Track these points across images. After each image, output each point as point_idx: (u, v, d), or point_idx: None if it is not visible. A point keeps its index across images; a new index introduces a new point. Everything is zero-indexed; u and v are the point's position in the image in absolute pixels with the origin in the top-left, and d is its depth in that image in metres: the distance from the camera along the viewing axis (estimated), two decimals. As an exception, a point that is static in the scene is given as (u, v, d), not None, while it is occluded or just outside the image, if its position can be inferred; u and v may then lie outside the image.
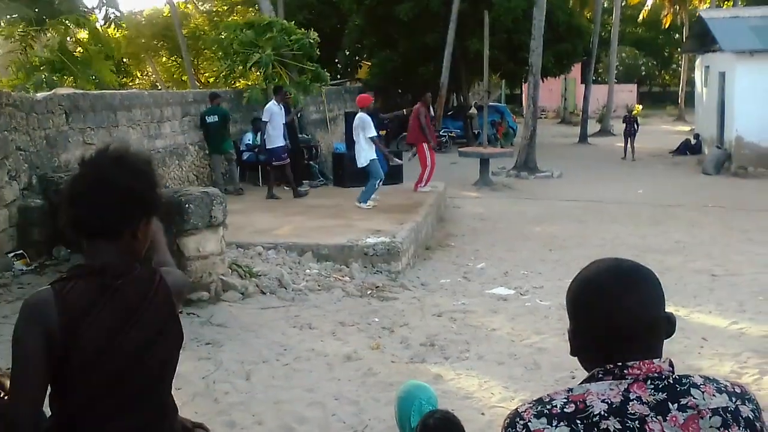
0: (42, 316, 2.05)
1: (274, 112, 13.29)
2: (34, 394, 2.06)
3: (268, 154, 13.49)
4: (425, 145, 14.22)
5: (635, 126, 25.08)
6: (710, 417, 1.52)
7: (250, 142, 15.30)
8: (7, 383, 2.70)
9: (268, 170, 13.91)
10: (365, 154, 12.40)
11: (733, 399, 1.56)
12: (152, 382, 2.21)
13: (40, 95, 9.72)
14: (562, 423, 1.52)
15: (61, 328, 2.04)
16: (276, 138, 13.29)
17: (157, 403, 2.25)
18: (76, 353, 2.07)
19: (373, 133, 12.47)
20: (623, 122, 25.56)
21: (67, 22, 17.71)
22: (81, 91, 11.35)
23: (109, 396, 2.13)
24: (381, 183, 12.57)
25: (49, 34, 17.95)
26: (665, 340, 1.63)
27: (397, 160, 14.42)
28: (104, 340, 2.09)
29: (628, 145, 24.82)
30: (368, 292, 8.41)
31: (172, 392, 2.38)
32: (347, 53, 33.09)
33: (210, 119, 14.03)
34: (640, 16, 42.29)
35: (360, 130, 12.43)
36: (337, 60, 31.67)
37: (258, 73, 16.65)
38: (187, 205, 7.29)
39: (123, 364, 2.12)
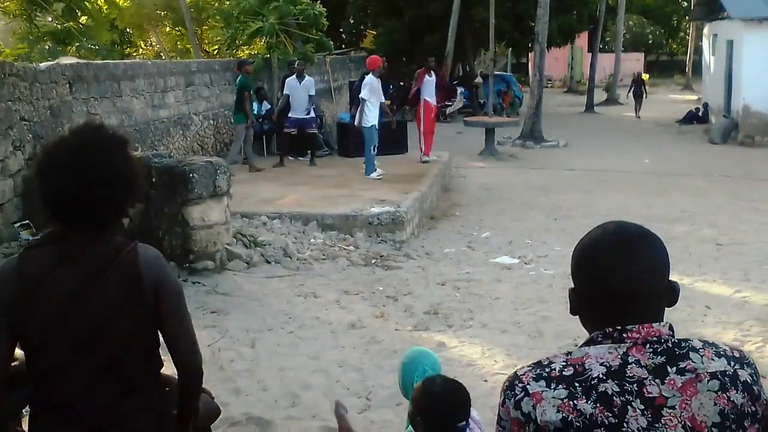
0: (3, 283, 2.08)
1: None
2: None
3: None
4: (420, 109, 14.11)
5: (642, 88, 28.54)
6: (708, 380, 1.52)
7: (255, 111, 15.22)
8: None
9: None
10: (366, 116, 12.28)
11: (732, 363, 1.56)
12: (116, 356, 2.15)
13: (43, 65, 9.67)
14: (560, 386, 1.53)
15: (16, 297, 2.06)
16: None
17: (125, 377, 2.19)
18: (31, 323, 2.07)
19: (366, 95, 12.27)
20: (631, 84, 29.56)
21: None
22: (84, 61, 11.30)
23: (70, 368, 2.12)
24: (376, 149, 12.40)
25: (54, 3, 17.84)
26: (669, 309, 1.63)
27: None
28: (57, 310, 2.06)
29: (637, 104, 28.53)
30: (373, 262, 8.43)
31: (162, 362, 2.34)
32: (351, 22, 32.84)
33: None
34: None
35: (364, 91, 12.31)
36: (341, 29, 31.44)
37: (261, 43, 16.53)
38: (191, 175, 7.29)
39: (80, 335, 2.09)
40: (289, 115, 13.57)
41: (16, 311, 2.06)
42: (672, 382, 1.51)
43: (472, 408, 2.71)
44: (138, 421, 2.21)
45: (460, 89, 27.17)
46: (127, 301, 2.12)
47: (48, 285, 2.07)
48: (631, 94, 29.37)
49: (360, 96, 12.40)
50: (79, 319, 2.09)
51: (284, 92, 13.78)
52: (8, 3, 17.88)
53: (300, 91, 13.48)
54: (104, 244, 2.15)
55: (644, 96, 28.88)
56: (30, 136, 8.82)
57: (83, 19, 18.89)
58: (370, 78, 12.37)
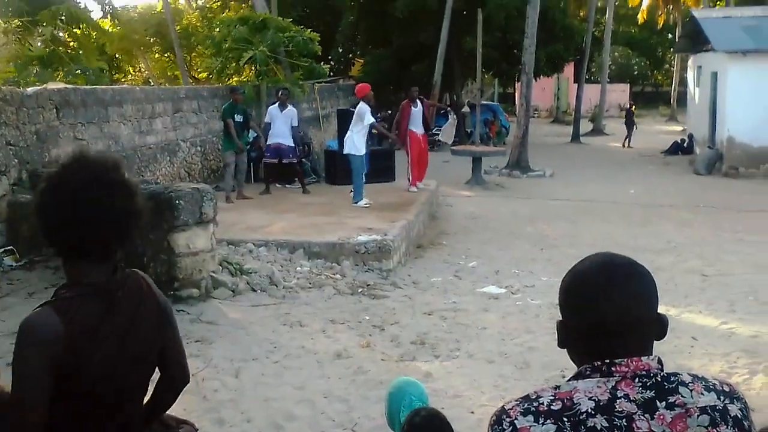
0: (46, 339, 2.00)
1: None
2: (41, 413, 2.01)
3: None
4: (407, 139, 14.15)
5: (632, 119, 29.70)
6: (698, 415, 1.50)
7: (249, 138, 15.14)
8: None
9: None
10: (351, 144, 12.30)
11: (722, 397, 1.55)
12: (141, 385, 2.21)
13: (30, 90, 9.65)
14: (548, 421, 1.50)
15: (68, 349, 2.00)
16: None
17: (138, 406, 2.24)
18: (84, 371, 2.04)
19: (371, 119, 12.33)
20: (625, 114, 30.95)
21: (61, 16, 17.65)
22: (72, 86, 11.28)
23: (102, 406, 2.11)
24: (363, 177, 12.40)
25: (42, 29, 17.86)
26: (656, 342, 1.61)
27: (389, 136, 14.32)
28: (113, 354, 2.07)
29: (628, 134, 29.18)
30: (359, 290, 8.39)
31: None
32: (340, 50, 33.03)
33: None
34: (639, 18, 42.26)
35: (357, 120, 12.32)
36: (330, 57, 31.62)
37: (251, 70, 16.58)
38: (177, 201, 7.26)
39: (124, 373, 2.11)
40: (268, 142, 13.59)
41: (66, 362, 2.01)
42: (661, 417, 1.50)
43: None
44: None
45: (451, 115, 27.06)
46: (157, 331, 2.21)
47: (103, 333, 2.06)
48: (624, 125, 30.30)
49: (369, 123, 12.31)
50: (126, 359, 2.11)
51: (266, 120, 13.86)
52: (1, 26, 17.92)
53: (280, 119, 13.51)
54: (131, 283, 2.18)
55: (634, 127, 29.60)
56: (16, 161, 8.78)
57: (72, 44, 18.93)
58: (363, 106, 12.37)
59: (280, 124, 13.52)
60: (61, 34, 19.11)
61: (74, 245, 2.10)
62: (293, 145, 13.77)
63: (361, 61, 32.02)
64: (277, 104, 13.69)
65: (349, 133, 12.45)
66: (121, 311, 2.11)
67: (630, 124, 29.50)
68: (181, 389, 2.41)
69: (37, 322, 2.03)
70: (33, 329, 2.02)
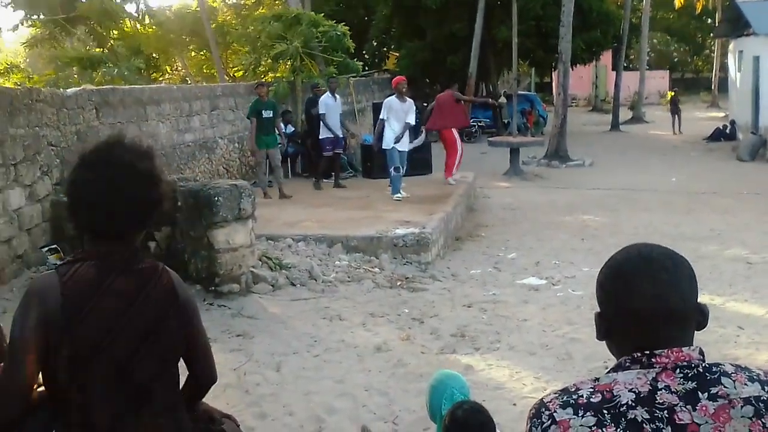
0: (43, 299, 2.04)
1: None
2: (23, 378, 2.04)
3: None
4: (454, 131, 14.09)
5: (677, 106, 29.92)
6: (742, 406, 1.48)
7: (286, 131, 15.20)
8: None
9: None
10: (384, 137, 12.35)
11: (766, 388, 1.51)
12: (155, 374, 2.17)
13: (70, 91, 9.81)
14: (588, 413, 1.49)
15: (62, 311, 2.03)
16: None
17: (161, 398, 2.19)
18: (75, 338, 2.04)
19: (383, 117, 12.35)
20: (669, 102, 31.52)
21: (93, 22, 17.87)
22: (110, 87, 11.45)
23: (105, 388, 2.10)
24: (401, 171, 12.33)
25: (78, 31, 18.11)
26: (700, 331, 1.59)
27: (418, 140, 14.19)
28: (104, 325, 2.07)
29: (675, 120, 29.48)
30: (398, 283, 8.39)
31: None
32: (374, 44, 33.03)
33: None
34: (676, 3, 41.53)
35: (385, 112, 12.42)
36: (364, 51, 31.63)
37: (286, 66, 16.66)
38: (215, 198, 7.33)
39: (120, 354, 2.09)
40: (326, 135, 13.36)
41: (60, 325, 2.03)
42: (704, 408, 1.47)
43: (500, 433, 2.68)
44: None
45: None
46: (167, 317, 2.17)
47: (97, 298, 2.07)
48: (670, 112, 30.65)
49: (381, 119, 12.44)
50: (125, 332, 2.10)
51: (321, 111, 13.43)
52: (36, 26, 18.22)
53: (335, 110, 13.44)
54: (141, 266, 2.18)
55: (680, 113, 29.69)
56: (57, 161, 8.92)
57: (111, 44, 19.19)
58: (389, 98, 12.45)
59: (336, 116, 13.44)
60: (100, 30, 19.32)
61: (89, 224, 2.15)
62: (343, 135, 13.83)
63: (396, 54, 31.99)
64: (329, 93, 13.56)
65: (379, 126, 12.51)
66: (124, 282, 2.11)
67: (675, 112, 29.52)
68: (206, 389, 2.40)
69: (36, 282, 2.12)
70: (31, 289, 2.10)
